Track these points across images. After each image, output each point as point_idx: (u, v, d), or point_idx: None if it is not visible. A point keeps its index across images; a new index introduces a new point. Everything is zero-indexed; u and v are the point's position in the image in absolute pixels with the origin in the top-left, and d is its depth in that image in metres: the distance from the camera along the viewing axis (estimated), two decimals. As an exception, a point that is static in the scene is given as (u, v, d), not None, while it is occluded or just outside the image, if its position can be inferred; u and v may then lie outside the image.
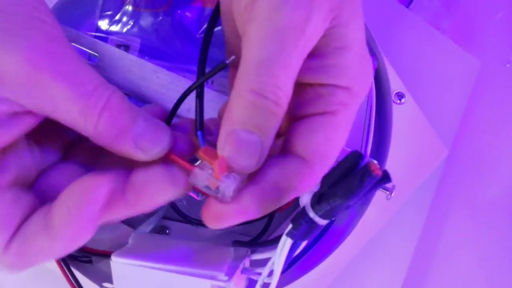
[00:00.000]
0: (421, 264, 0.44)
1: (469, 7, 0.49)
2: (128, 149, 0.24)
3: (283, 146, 0.27)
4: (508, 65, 0.48)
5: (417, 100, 0.42)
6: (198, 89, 0.28)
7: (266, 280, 0.28)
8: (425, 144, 0.42)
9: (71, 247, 0.24)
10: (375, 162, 0.21)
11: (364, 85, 0.27)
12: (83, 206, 0.23)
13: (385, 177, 0.21)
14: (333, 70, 0.26)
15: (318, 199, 0.22)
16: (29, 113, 0.24)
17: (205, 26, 0.38)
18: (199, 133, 0.26)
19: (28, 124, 0.24)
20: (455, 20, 0.49)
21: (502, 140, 0.47)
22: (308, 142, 0.26)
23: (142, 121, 0.25)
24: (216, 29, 0.37)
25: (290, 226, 0.23)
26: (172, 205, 0.37)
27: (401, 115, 0.42)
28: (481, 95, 0.47)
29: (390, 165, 0.41)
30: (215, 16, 0.30)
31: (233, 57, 0.26)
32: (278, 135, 0.28)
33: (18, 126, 0.24)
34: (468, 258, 0.45)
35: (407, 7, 0.48)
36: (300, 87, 0.27)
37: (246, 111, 0.24)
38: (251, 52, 0.24)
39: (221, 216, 0.25)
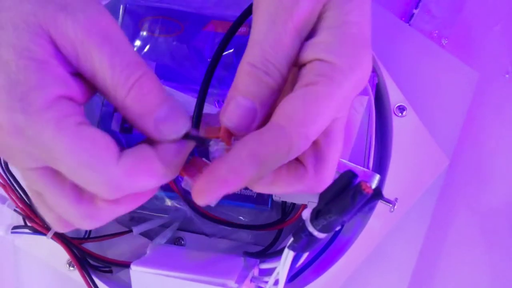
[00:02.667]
0: (423, 272, 0.45)
1: (468, 20, 0.51)
2: (147, 128, 0.26)
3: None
4: (507, 76, 0.50)
5: (417, 112, 0.43)
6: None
7: (273, 288, 0.30)
8: (426, 155, 0.43)
9: None
10: (366, 181, 0.23)
11: (353, 64, 0.27)
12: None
13: (377, 194, 0.23)
14: (318, 46, 0.27)
15: (316, 215, 0.24)
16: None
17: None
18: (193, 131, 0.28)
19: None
20: (454, 32, 0.50)
21: (502, 149, 0.48)
22: (285, 109, 0.26)
23: (166, 107, 0.26)
24: (225, 53, 0.40)
25: (292, 239, 0.25)
26: (188, 218, 0.39)
27: (402, 127, 0.43)
28: (482, 105, 0.48)
29: (392, 176, 0.42)
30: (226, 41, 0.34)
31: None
32: None
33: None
34: (470, 265, 0.45)
35: (408, 22, 0.49)
36: (295, 70, 0.29)
37: (242, 79, 0.27)
38: (252, 32, 0.28)
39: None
